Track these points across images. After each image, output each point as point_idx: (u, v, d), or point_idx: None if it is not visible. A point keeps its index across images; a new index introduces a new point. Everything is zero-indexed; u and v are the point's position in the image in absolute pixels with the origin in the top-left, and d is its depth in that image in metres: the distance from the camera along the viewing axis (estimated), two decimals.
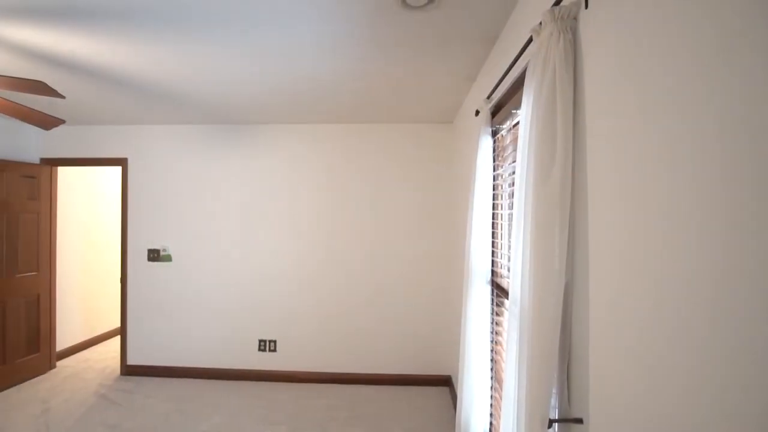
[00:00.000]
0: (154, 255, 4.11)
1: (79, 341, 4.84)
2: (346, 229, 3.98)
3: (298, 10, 1.80)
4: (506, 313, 2.02)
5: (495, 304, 2.17)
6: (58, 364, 4.43)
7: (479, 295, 1.98)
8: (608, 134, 1.06)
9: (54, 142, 4.21)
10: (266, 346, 4.04)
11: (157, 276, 4.12)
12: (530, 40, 1.44)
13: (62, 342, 4.56)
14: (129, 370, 4.16)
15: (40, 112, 2.32)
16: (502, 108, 2.03)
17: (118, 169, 5.33)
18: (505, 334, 2.02)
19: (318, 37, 2.06)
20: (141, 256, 4.13)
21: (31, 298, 4.06)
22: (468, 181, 3.04)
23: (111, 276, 5.29)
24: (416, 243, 3.95)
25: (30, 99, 3.04)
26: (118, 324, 5.41)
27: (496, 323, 2.14)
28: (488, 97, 2.12)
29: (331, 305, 4.00)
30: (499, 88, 1.98)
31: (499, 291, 2.05)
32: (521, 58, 1.62)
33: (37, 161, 4.21)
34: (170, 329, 4.12)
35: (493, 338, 2.15)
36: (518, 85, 1.76)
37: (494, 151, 2.21)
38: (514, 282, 1.33)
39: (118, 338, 5.31)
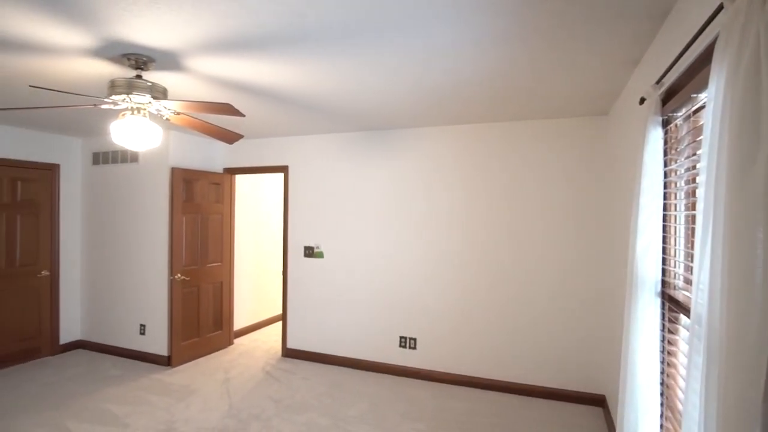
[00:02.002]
0: (309, 251, 4.58)
1: (250, 323, 5.65)
2: (487, 230, 3.88)
3: (437, 13, 1.81)
4: (683, 332, 1.73)
5: (667, 319, 1.87)
6: (235, 341, 5.23)
7: (646, 308, 1.73)
8: None
9: (232, 154, 5.00)
10: (407, 343, 4.17)
11: (312, 270, 4.58)
12: (719, 8, 1.21)
13: (237, 323, 5.38)
14: (288, 353, 4.70)
15: (226, 129, 2.77)
16: (676, 93, 1.74)
17: (279, 175, 6.09)
18: (681, 357, 1.73)
19: (457, 36, 2.04)
20: (298, 252, 4.64)
21: (217, 284, 4.88)
22: (629, 178, 2.70)
23: (274, 269, 6.06)
24: (564, 246, 3.65)
25: (216, 118, 3.66)
26: (280, 311, 6.17)
27: (669, 342, 1.85)
28: (657, 82, 1.84)
29: (472, 307, 3.94)
30: (672, 70, 1.71)
31: (672, 305, 1.76)
32: (705, 31, 1.37)
33: (221, 171, 5.05)
34: (322, 319, 4.54)
35: (663, 359, 1.86)
36: (701, 63, 1.49)
37: (665, 143, 1.92)
38: (697, 296, 1.13)
39: (280, 323, 6.06)
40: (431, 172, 4.09)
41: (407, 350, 4.17)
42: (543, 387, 3.71)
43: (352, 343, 4.40)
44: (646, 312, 1.73)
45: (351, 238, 4.40)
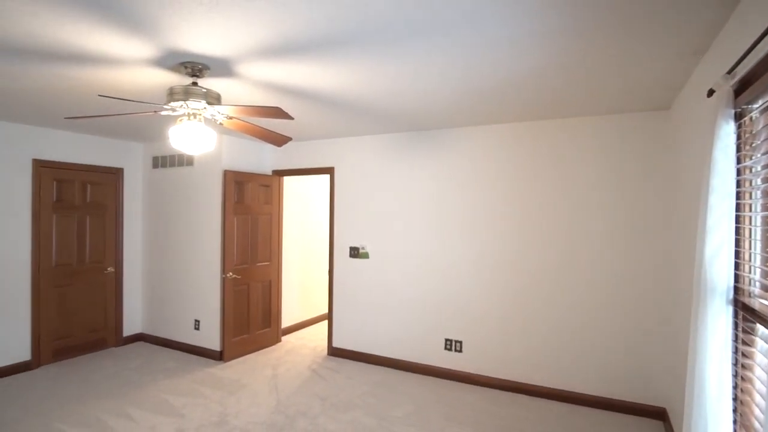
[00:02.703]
0: (355, 252, 4.63)
1: (297, 322, 5.78)
2: (538, 231, 3.76)
3: (490, 11, 1.76)
4: (761, 344, 1.58)
5: (740, 329, 1.72)
6: (282, 339, 5.37)
7: (716, 316, 1.60)
8: None
9: (281, 156, 5.14)
10: (452, 345, 4.11)
11: (357, 271, 4.62)
12: None
13: (285, 321, 5.52)
14: (334, 352, 4.77)
15: (275, 132, 2.85)
16: (752, 83, 1.60)
17: (326, 176, 6.19)
18: (759, 371, 1.59)
19: (508, 33, 1.98)
20: (344, 252, 4.70)
21: (265, 283, 5.03)
22: (696, 177, 2.53)
23: (321, 269, 6.17)
24: (621, 248, 3.46)
25: (266, 122, 3.77)
26: (326, 310, 6.27)
27: (743, 354, 1.70)
28: (729, 72, 1.70)
29: (521, 310, 3.82)
30: (747, 58, 1.57)
31: (747, 313, 1.62)
32: None
33: (270, 173, 5.20)
34: (367, 319, 4.57)
35: (737, 372, 1.72)
36: None
37: (738, 138, 1.77)
38: None
39: (326, 323, 6.16)
40: (479, 171, 4.01)
41: (453, 353, 4.11)
42: (595, 396, 3.53)
43: (397, 344, 4.40)
44: (717, 321, 1.60)
45: (396, 238, 4.40)
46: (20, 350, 4.20)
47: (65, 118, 2.61)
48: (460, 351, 4.07)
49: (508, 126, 3.87)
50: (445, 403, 3.59)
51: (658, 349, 3.34)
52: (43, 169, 4.34)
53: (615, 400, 3.47)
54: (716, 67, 2.05)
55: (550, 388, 3.69)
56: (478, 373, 3.99)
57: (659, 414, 3.32)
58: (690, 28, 1.93)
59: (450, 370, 4.11)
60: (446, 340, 4.14)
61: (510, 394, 3.80)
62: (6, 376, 4.08)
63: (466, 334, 4.05)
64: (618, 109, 3.35)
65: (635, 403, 3.41)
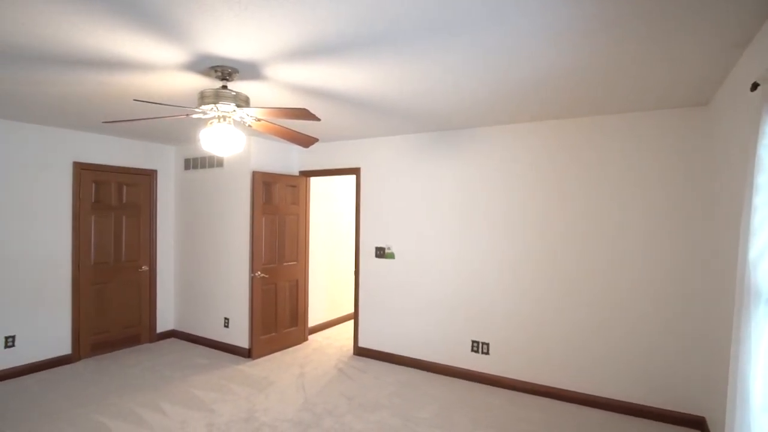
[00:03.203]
0: (380, 252, 4.63)
1: (323, 321, 5.84)
2: (568, 232, 3.67)
3: (519, 7, 1.72)
4: None
5: None
6: (309, 338, 5.43)
7: (761, 322, 1.52)
8: None
9: (307, 157, 5.20)
10: (479, 347, 4.06)
11: (383, 271, 4.62)
12: None
13: (311, 320, 5.58)
14: (360, 351, 4.79)
15: (302, 133, 2.88)
16: None
17: (352, 177, 6.23)
18: None
19: (539, 28, 1.94)
20: (370, 252, 4.71)
21: (293, 282, 5.09)
22: (738, 175, 2.41)
23: (347, 269, 6.21)
24: (657, 250, 3.34)
25: (293, 123, 3.82)
26: (352, 310, 6.31)
27: None
28: None
29: (551, 313, 3.74)
30: None
31: None
32: None
33: (297, 173, 5.27)
34: (393, 319, 4.56)
35: None
36: None
37: None
38: None
39: (352, 322, 6.19)
40: (507, 171, 3.94)
41: (479, 355, 4.06)
42: (629, 402, 3.42)
43: (423, 345, 4.38)
44: (761, 326, 1.52)
45: (422, 239, 4.38)
46: (62, 344, 4.41)
47: (103, 122, 2.71)
48: (487, 353, 4.02)
49: (539, 124, 3.79)
50: (472, 406, 3.55)
51: (698, 355, 3.20)
52: (82, 171, 4.53)
53: (650, 407, 3.35)
54: (760, 59, 1.95)
55: (581, 393, 3.60)
56: (506, 375, 3.93)
57: (698, 423, 3.18)
58: (732, 18, 1.84)
59: (476, 372, 4.06)
60: (473, 341, 4.09)
61: (539, 398, 3.72)
62: (49, 368, 4.28)
63: (494, 336, 3.99)
64: (654, 106, 3.23)
65: (672, 411, 3.28)
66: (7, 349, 4.03)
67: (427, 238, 4.35)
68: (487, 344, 4.02)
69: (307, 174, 5.19)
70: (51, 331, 4.32)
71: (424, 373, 4.29)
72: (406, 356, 4.47)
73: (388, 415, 3.37)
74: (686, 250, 3.24)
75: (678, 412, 3.26)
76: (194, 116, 2.64)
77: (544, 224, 3.76)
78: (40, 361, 4.23)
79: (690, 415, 3.22)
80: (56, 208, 4.34)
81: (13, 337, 4.06)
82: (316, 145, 5.10)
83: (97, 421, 3.22)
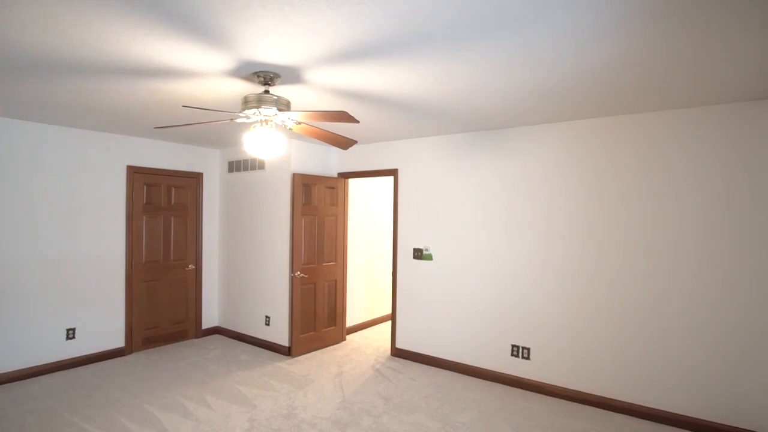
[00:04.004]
0: (418, 253, 4.62)
1: (361, 321, 5.88)
2: (616, 233, 3.52)
3: (563, 2, 1.68)
4: None
5: None
6: (347, 337, 5.49)
7: None
8: None
9: (346, 159, 5.27)
10: (519, 352, 3.97)
11: (420, 272, 4.61)
12: None
13: (349, 320, 5.64)
14: (397, 352, 4.79)
15: (341, 135, 2.92)
16: None
17: (388, 178, 6.25)
18: None
19: (589, 22, 1.87)
20: (407, 254, 4.71)
21: (331, 282, 5.17)
22: None
23: (384, 270, 6.24)
24: (714, 252, 3.14)
25: (332, 125, 3.87)
26: (389, 311, 6.33)
27: None
28: None
29: (596, 318, 3.60)
30: None
31: None
32: None
33: (335, 175, 5.34)
34: (430, 321, 4.54)
35: None
36: None
37: None
38: None
39: (389, 323, 6.21)
40: (549, 171, 3.84)
41: (520, 359, 3.96)
42: (681, 415, 3.23)
43: (461, 348, 4.32)
44: None
45: (461, 240, 4.33)
46: (116, 338, 4.68)
47: (155, 128, 2.86)
48: (528, 358, 3.92)
49: (584, 122, 3.67)
50: (511, 411, 3.47)
51: (760, 367, 2.99)
52: (135, 174, 4.79)
53: (705, 421, 3.16)
54: None
55: (628, 402, 3.44)
56: (547, 382, 3.82)
57: None
58: None
59: (516, 377, 3.97)
60: (513, 346, 4.00)
61: (584, 407, 3.59)
62: (105, 360, 4.56)
63: (535, 341, 3.89)
64: (714, 100, 3.04)
65: (730, 426, 3.08)
66: (69, 341, 4.32)
67: (465, 240, 4.29)
68: (528, 349, 3.92)
69: (346, 175, 5.26)
70: (106, 325, 4.59)
71: (462, 376, 4.24)
72: (444, 359, 4.43)
73: (426, 417, 3.36)
74: (751, 254, 3.04)
75: (736, 428, 3.05)
76: (238, 120, 2.73)
77: (591, 226, 3.62)
78: (96, 353, 4.51)
79: (748, 431, 3.01)
80: (112, 209, 4.62)
81: (74, 329, 4.35)
82: (354, 147, 5.16)
83: (148, 411, 3.39)
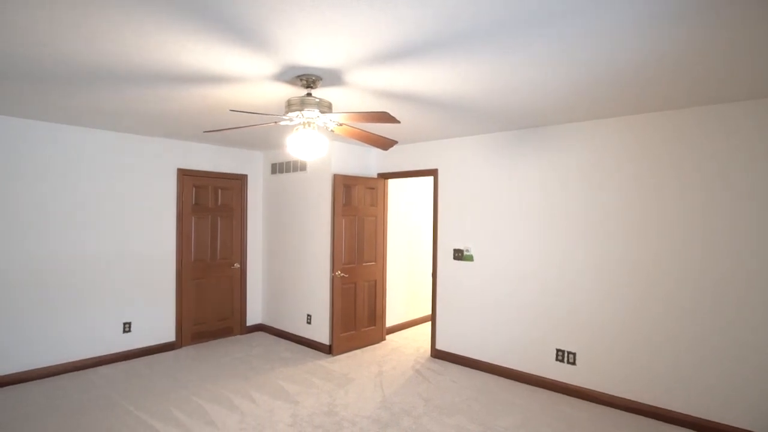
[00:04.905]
0: (459, 254, 4.57)
1: (400, 322, 5.88)
2: (672, 232, 3.34)
3: None
4: None
5: None
6: (387, 337, 5.50)
7: None
8: None
9: (385, 159, 5.29)
10: (564, 357, 3.84)
11: (461, 273, 4.56)
12: None
13: (389, 320, 5.65)
14: (437, 354, 4.75)
15: (381, 136, 2.93)
16: None
17: (428, 178, 6.22)
18: None
19: (636, 15, 1.79)
20: (448, 254, 4.66)
21: (371, 282, 5.20)
22: None
23: (424, 270, 6.21)
24: None
25: (372, 126, 3.90)
26: (429, 311, 6.30)
27: None
28: None
29: (648, 323, 3.43)
30: None
31: None
32: None
33: (375, 176, 5.38)
34: (471, 323, 4.47)
35: None
36: None
37: None
38: None
39: (429, 324, 6.18)
40: (594, 170, 3.69)
41: (565, 365, 3.83)
42: (743, 430, 3.02)
43: (502, 351, 4.24)
44: None
45: (502, 241, 4.24)
46: (167, 332, 4.92)
47: (204, 131, 2.99)
48: (574, 363, 3.78)
49: (633, 118, 3.50)
50: (555, 418, 3.37)
51: None
52: (184, 177, 5.02)
53: None
54: None
55: (687, 415, 3.25)
56: (594, 388, 3.67)
57: None
58: None
59: (561, 382, 3.84)
60: (557, 350, 3.88)
61: (634, 416, 3.43)
62: (157, 353, 4.80)
63: (581, 346, 3.75)
64: None
65: None
66: (125, 334, 4.59)
67: (507, 240, 4.20)
68: (574, 354, 3.78)
69: (385, 176, 5.28)
70: (159, 320, 4.84)
71: (503, 379, 4.15)
72: (485, 361, 4.35)
73: (466, 420, 3.31)
74: None
75: None
76: (282, 123, 2.80)
77: (643, 226, 3.45)
78: (149, 346, 4.76)
79: None
80: (164, 210, 4.86)
81: (130, 323, 4.61)
82: (393, 147, 5.16)
83: (197, 403, 3.54)
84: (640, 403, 3.44)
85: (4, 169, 3.82)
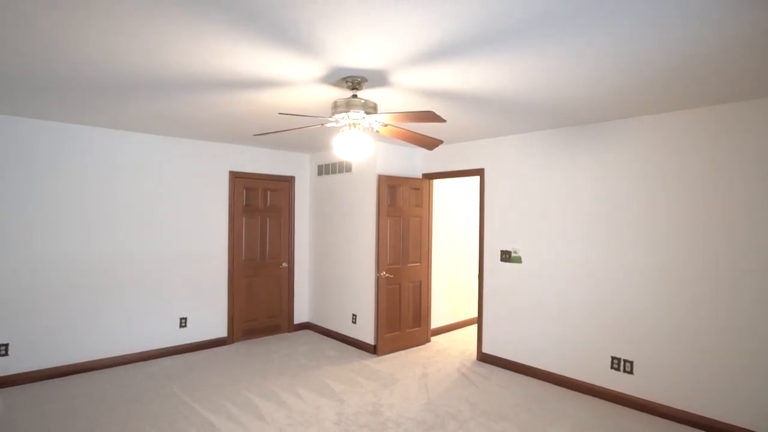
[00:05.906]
0: (506, 256, 4.45)
1: (446, 323, 5.82)
2: (734, 235, 3.08)
3: None
4: None
5: None
6: (432, 339, 5.46)
7: None
8: None
9: (430, 159, 5.25)
10: (620, 365, 3.64)
11: (508, 275, 4.44)
12: None
13: (434, 322, 5.60)
14: (483, 357, 4.66)
15: (427, 136, 2.91)
16: None
17: (473, 178, 6.11)
18: None
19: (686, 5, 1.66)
20: (494, 256, 4.56)
21: (416, 283, 5.18)
22: None
23: (470, 272, 6.11)
24: None
25: (416, 126, 3.88)
26: (475, 314, 6.18)
27: None
28: None
29: (713, 330, 3.18)
30: None
31: None
32: None
33: (420, 176, 5.35)
34: (519, 327, 4.35)
35: None
36: None
37: None
38: None
39: (475, 326, 6.06)
40: (651, 169, 3.47)
41: (621, 373, 3.63)
42: None
43: (552, 357, 4.08)
44: None
45: (552, 242, 4.09)
46: (220, 328, 5.13)
47: (254, 135, 3.09)
48: (630, 372, 3.57)
49: (698, 111, 3.26)
50: (609, 429, 3.19)
51: None
52: (236, 179, 5.23)
53: None
54: None
55: (749, 430, 2.98)
56: (653, 400, 3.45)
57: None
58: None
59: (616, 392, 3.64)
60: (612, 358, 3.68)
61: (692, 429, 3.19)
62: (210, 348, 5.03)
63: (638, 353, 3.54)
64: None
65: None
66: (182, 329, 4.83)
67: (557, 242, 4.05)
68: (631, 362, 3.58)
69: (430, 176, 5.24)
70: (212, 316, 5.06)
71: (553, 386, 3.99)
72: (534, 367, 4.21)
73: (514, 428, 3.21)
74: None
75: None
76: (328, 125, 2.85)
77: (700, 228, 3.21)
78: (203, 341, 4.99)
79: None
80: (217, 211, 5.08)
81: (186, 318, 4.86)
82: (438, 147, 5.12)
83: (247, 397, 3.66)
84: (703, 416, 3.19)
85: (83, 173, 4.14)
